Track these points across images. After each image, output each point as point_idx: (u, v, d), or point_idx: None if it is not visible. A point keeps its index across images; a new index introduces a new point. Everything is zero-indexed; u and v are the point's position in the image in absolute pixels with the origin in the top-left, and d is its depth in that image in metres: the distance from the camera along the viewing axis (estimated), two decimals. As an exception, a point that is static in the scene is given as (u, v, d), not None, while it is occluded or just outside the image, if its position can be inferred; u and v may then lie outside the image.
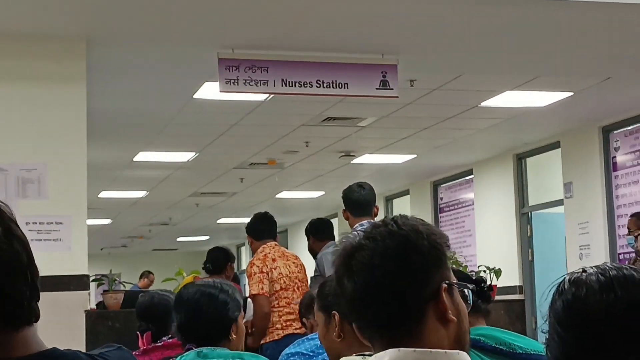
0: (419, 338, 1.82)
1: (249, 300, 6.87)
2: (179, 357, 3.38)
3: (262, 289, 6.86)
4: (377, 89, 7.52)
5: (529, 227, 12.24)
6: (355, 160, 12.80)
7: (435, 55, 7.74)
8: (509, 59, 7.94)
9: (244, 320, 3.79)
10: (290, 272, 7.04)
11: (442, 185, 14.48)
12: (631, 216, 8.29)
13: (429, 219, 14.46)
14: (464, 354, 1.83)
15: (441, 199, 14.47)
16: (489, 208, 12.95)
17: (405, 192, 15.39)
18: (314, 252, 7.52)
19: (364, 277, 1.85)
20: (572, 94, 9.31)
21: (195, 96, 8.70)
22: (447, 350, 1.81)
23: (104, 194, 14.97)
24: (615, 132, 10.55)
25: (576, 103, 9.70)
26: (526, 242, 12.19)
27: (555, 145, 11.51)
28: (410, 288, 1.83)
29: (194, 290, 3.56)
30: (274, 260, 7.02)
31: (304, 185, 15.22)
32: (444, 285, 1.85)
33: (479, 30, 7.09)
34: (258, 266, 6.97)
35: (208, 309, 3.47)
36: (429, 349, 1.80)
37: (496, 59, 7.93)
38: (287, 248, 7.59)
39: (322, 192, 16.00)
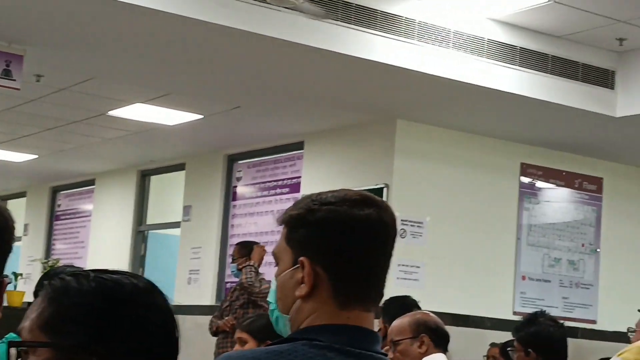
0: None
1: None
2: None
3: None
4: (-2, 77, 7.03)
5: (143, 245, 12.06)
6: (-30, 153, 12.00)
7: (65, 53, 7.36)
8: (142, 70, 7.74)
9: None
10: None
11: (61, 192, 13.95)
12: (236, 244, 8.36)
13: (43, 225, 13.90)
14: None
15: (59, 206, 13.94)
16: (106, 221, 12.63)
17: (22, 194, 14.66)
18: None
19: None
20: (202, 117, 9.28)
21: None
22: None
23: None
24: (239, 162, 10.66)
25: (205, 127, 9.69)
26: (138, 261, 11.99)
27: (180, 167, 11.45)
28: None
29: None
30: None
31: None
32: None
33: (113, 36, 6.82)
34: None
35: None
36: None
37: (128, 67, 7.69)
38: None
39: None
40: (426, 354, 4.14)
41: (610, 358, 1.83)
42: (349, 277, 1.80)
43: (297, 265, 1.82)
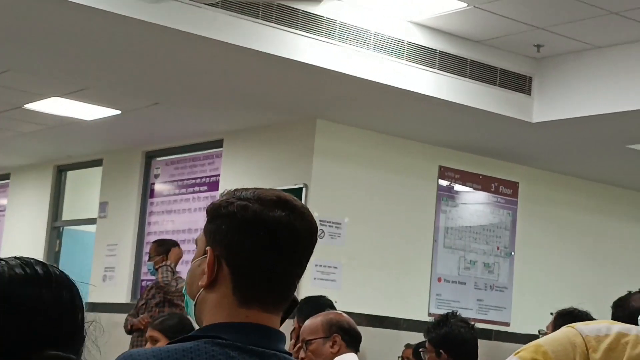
0: None
1: None
2: None
3: None
4: None
5: (58, 242, 11.88)
6: None
7: (-21, 43, 7.21)
8: (59, 63, 7.61)
9: None
10: None
11: (-25, 187, 13.67)
12: (153, 242, 8.29)
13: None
14: None
15: (-28, 200, 13.65)
16: (21, 217, 12.41)
17: None
18: None
19: None
20: (120, 112, 9.17)
21: None
22: None
23: None
24: (158, 159, 10.56)
25: (123, 123, 9.57)
26: (52, 257, 11.80)
27: (97, 163, 11.30)
28: None
29: None
30: None
31: None
32: None
33: (29, 27, 6.69)
34: None
35: None
36: None
37: (45, 60, 7.55)
38: None
39: None
40: (338, 353, 4.15)
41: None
42: (248, 275, 1.79)
43: (206, 255, 1.81)
